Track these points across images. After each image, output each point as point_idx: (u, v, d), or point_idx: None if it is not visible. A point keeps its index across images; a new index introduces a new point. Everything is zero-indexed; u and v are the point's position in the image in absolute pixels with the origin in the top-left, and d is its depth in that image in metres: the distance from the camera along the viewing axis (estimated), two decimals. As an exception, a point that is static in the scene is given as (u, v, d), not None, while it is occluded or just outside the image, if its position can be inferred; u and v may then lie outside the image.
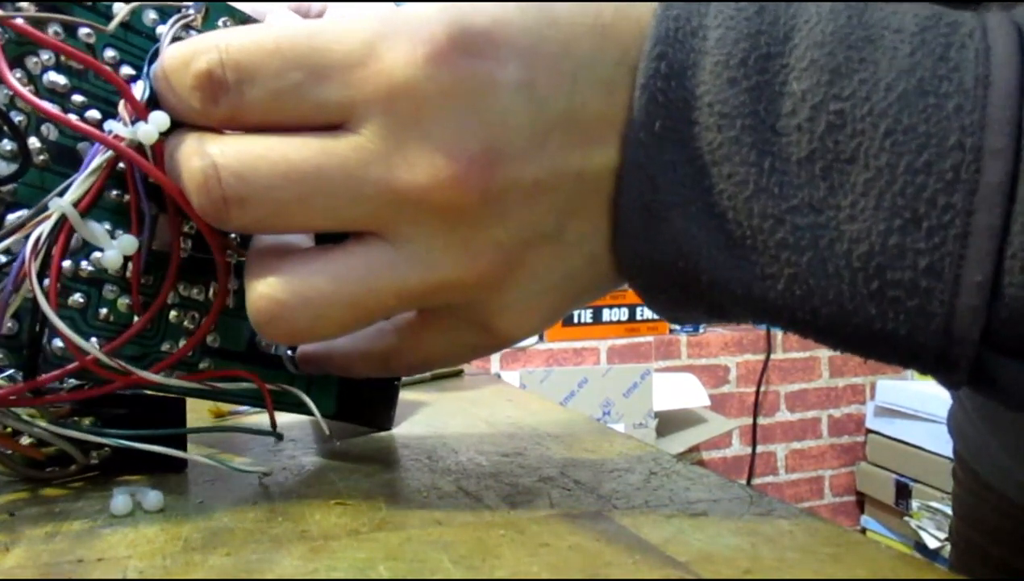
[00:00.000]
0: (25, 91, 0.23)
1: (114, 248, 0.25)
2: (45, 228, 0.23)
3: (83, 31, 0.25)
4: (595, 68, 0.22)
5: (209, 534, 0.22)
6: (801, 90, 0.21)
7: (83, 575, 0.20)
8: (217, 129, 0.23)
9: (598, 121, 0.22)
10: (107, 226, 0.26)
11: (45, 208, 0.24)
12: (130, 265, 0.26)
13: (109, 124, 0.24)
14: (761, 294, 0.22)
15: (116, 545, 0.22)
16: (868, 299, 0.21)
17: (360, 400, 0.33)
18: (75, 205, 0.24)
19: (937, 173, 0.20)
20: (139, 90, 0.24)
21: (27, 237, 0.23)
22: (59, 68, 0.25)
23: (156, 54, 0.25)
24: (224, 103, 0.22)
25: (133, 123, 0.24)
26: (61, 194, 0.24)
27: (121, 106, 0.24)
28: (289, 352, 0.29)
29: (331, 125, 0.22)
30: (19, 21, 0.24)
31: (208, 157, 0.22)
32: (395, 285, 0.23)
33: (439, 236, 0.22)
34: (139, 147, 0.24)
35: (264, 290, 0.23)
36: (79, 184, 0.24)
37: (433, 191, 0.22)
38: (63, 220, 0.23)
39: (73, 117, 0.24)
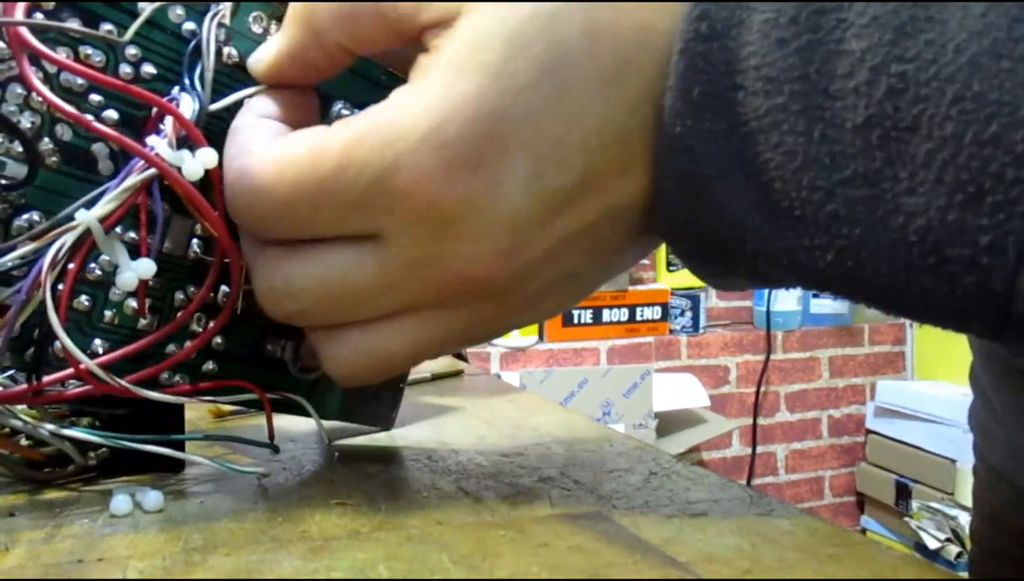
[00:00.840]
0: (60, 102, 0.23)
1: (131, 270, 0.24)
2: (68, 240, 0.23)
3: (104, 28, 0.24)
4: (606, 125, 0.22)
5: (209, 534, 0.22)
6: (860, 49, 0.19)
7: (83, 575, 0.20)
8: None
9: (615, 166, 0.22)
10: (117, 227, 0.25)
11: (69, 217, 0.23)
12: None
13: (152, 140, 0.23)
14: (808, 264, 0.21)
15: (116, 545, 0.22)
16: (924, 273, 0.20)
17: (364, 400, 0.33)
18: (101, 220, 0.23)
19: (1006, 145, 0.18)
20: (187, 107, 0.24)
21: (47, 246, 0.23)
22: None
23: (194, 57, 0.25)
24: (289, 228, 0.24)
25: (179, 146, 0.24)
26: (89, 205, 0.23)
27: (168, 123, 0.24)
28: (293, 355, 0.29)
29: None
30: (25, 33, 0.23)
31: (270, 281, 0.25)
32: (426, 348, 0.25)
33: (472, 309, 0.24)
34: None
35: (343, 357, 0.25)
36: (110, 199, 0.23)
37: (462, 289, 0.23)
38: (86, 232, 0.23)
39: (110, 130, 0.24)
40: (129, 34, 0.24)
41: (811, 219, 0.20)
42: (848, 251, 0.20)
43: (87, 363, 0.24)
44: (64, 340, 0.23)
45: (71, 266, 0.24)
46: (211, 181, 0.24)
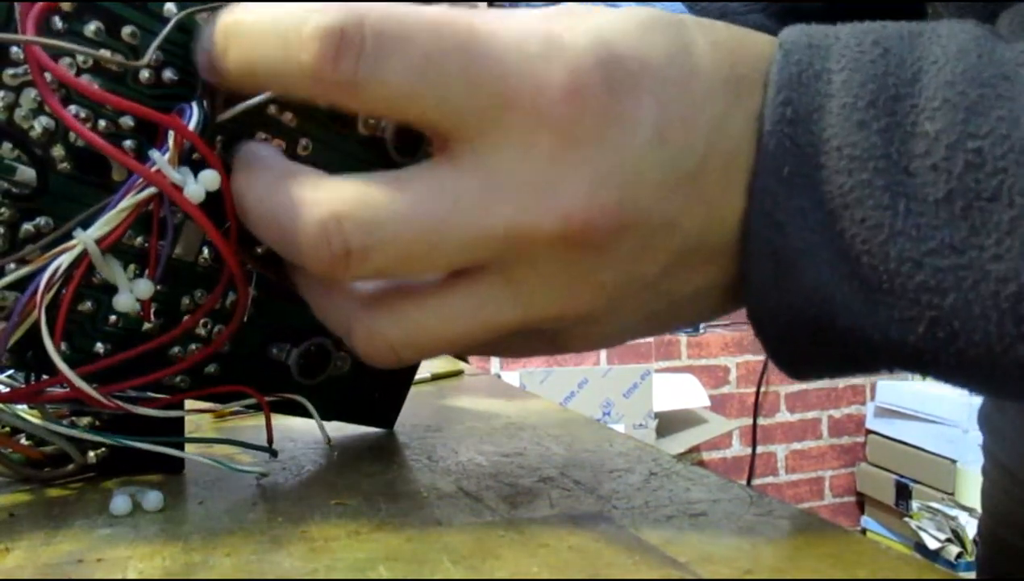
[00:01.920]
0: (67, 115, 0.22)
1: (129, 292, 0.24)
2: (65, 261, 0.22)
3: (126, 31, 0.23)
4: (725, 125, 0.22)
5: (209, 534, 0.22)
6: (935, 130, 0.20)
7: (83, 575, 0.20)
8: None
9: (721, 176, 0.22)
10: (128, 233, 0.24)
11: (68, 235, 0.23)
12: (146, 272, 0.25)
13: (153, 155, 0.22)
14: (900, 338, 0.21)
15: (116, 545, 0.22)
16: (1019, 340, 0.20)
17: (365, 400, 0.32)
18: (99, 241, 0.22)
19: None
20: (190, 119, 0.23)
21: (45, 266, 0.22)
22: (95, 71, 0.23)
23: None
24: (346, 70, 0.20)
25: (185, 159, 0.23)
26: (86, 223, 0.23)
27: (171, 138, 0.22)
28: (301, 362, 0.29)
29: (455, 135, 0.21)
30: (43, 56, 0.22)
31: (325, 207, 0.21)
32: (497, 322, 0.23)
33: (550, 278, 0.22)
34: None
35: (379, 329, 0.23)
36: (107, 219, 0.22)
37: (563, 233, 0.21)
38: (84, 252, 0.22)
39: (103, 125, 0.23)
40: (147, 58, 0.23)
41: (900, 291, 0.21)
42: (940, 322, 0.21)
43: (79, 384, 0.23)
44: (59, 364, 0.23)
45: (65, 295, 0.23)
46: (221, 194, 0.23)
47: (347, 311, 0.23)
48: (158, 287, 0.25)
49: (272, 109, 0.25)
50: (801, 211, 0.21)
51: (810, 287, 0.22)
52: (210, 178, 0.23)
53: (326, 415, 0.31)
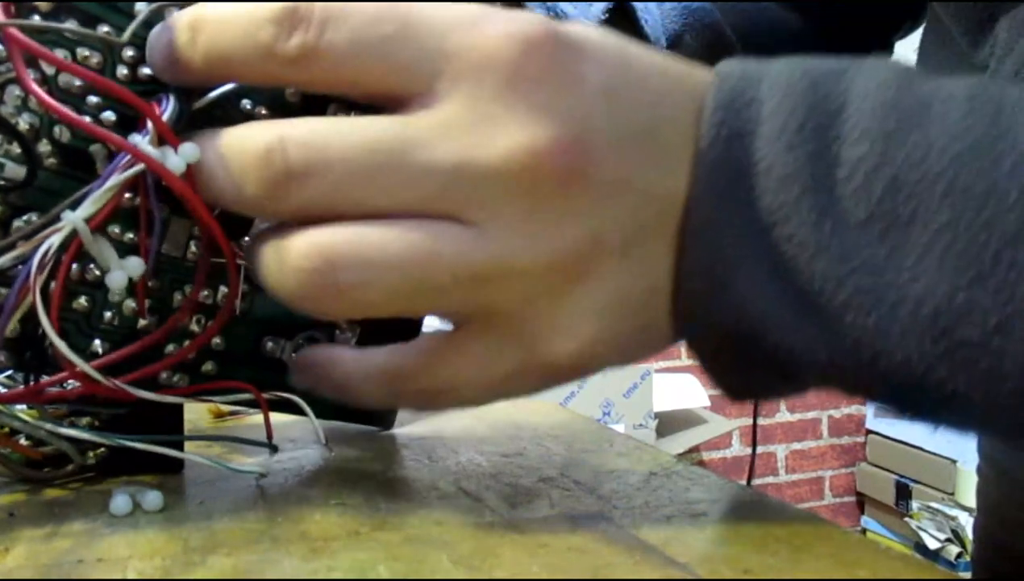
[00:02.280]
0: (52, 101, 0.23)
1: (120, 269, 0.24)
2: (54, 242, 0.23)
3: (102, 29, 0.24)
4: (671, 102, 0.23)
5: (209, 534, 0.22)
6: (856, 156, 0.21)
7: (83, 575, 0.20)
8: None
9: (675, 149, 0.23)
10: (117, 228, 0.25)
11: (56, 218, 0.23)
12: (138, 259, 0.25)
13: (133, 138, 0.23)
14: (827, 356, 0.22)
15: (116, 545, 0.22)
16: (937, 360, 0.21)
17: None
18: (87, 220, 0.23)
19: (999, 230, 0.20)
20: (167, 109, 0.23)
21: (35, 249, 0.23)
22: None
23: None
24: (297, 42, 0.21)
25: (160, 145, 0.23)
26: (74, 206, 0.23)
27: (151, 124, 0.23)
28: (295, 355, 0.29)
29: (407, 98, 0.22)
30: (23, 37, 0.22)
31: (272, 130, 0.21)
32: (455, 261, 0.22)
33: (509, 219, 0.22)
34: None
35: (311, 239, 0.22)
36: (94, 199, 0.23)
37: (513, 166, 0.21)
38: (73, 234, 0.23)
39: (88, 120, 0.24)
40: (127, 34, 0.24)
41: (826, 309, 0.21)
42: (863, 342, 0.21)
43: (81, 364, 0.24)
44: (56, 341, 0.23)
45: (60, 271, 0.23)
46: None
47: (284, 231, 0.22)
48: (150, 284, 0.26)
49: (247, 105, 0.25)
50: (734, 225, 0.22)
51: (743, 301, 0.22)
52: (190, 150, 0.23)
53: (324, 414, 0.31)
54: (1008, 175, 0.20)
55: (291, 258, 0.22)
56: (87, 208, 0.23)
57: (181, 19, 0.23)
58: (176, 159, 0.23)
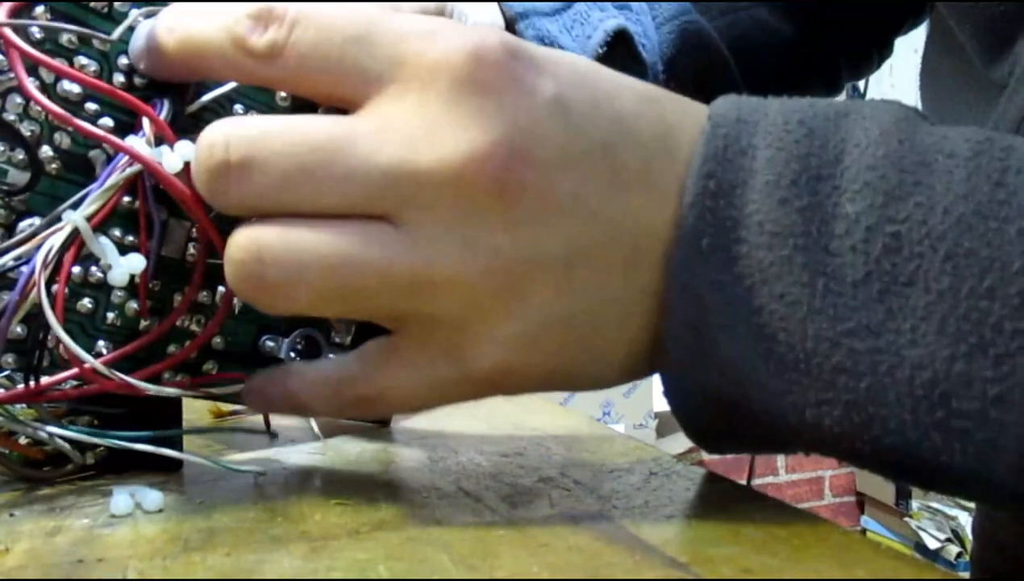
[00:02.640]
0: (55, 106, 0.23)
1: (121, 266, 0.25)
2: (57, 240, 0.23)
3: (97, 41, 0.25)
4: (635, 126, 0.22)
5: (209, 534, 0.22)
6: (855, 212, 0.20)
7: (83, 575, 0.20)
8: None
9: (634, 175, 0.22)
10: (117, 232, 0.26)
11: (58, 218, 0.24)
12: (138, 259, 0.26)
13: (130, 140, 0.24)
14: (815, 421, 0.21)
15: (116, 545, 0.22)
16: (933, 429, 0.20)
17: None
18: (88, 219, 0.24)
19: (1002, 298, 0.19)
20: (161, 111, 0.24)
21: (39, 247, 0.23)
22: (72, 76, 0.25)
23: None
24: (269, 37, 0.22)
25: (157, 143, 0.24)
26: (75, 206, 0.24)
27: (146, 124, 0.24)
28: (292, 355, 0.29)
29: (360, 101, 0.22)
30: (24, 45, 0.23)
31: (219, 128, 0.22)
32: (383, 264, 0.21)
33: (442, 224, 0.21)
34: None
35: (249, 232, 0.22)
36: (94, 198, 0.24)
37: (450, 170, 0.21)
38: (75, 233, 0.24)
39: (96, 129, 0.24)
40: (117, 33, 0.25)
41: (817, 372, 0.21)
42: (855, 406, 0.21)
43: (88, 360, 0.24)
44: (62, 336, 0.23)
45: (63, 267, 0.24)
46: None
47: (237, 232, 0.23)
48: (151, 285, 0.26)
49: (240, 110, 0.26)
50: (719, 285, 0.21)
51: (726, 364, 0.21)
52: (185, 148, 0.24)
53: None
54: (1013, 241, 0.19)
55: (230, 250, 0.23)
56: (88, 207, 0.24)
57: (163, 13, 0.24)
58: (172, 158, 0.24)
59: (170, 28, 0.24)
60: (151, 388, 0.25)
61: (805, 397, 0.21)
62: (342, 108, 0.23)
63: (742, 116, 0.22)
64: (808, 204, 0.21)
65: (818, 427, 0.21)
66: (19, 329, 0.25)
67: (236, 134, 0.22)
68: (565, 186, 0.21)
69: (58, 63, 0.24)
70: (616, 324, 0.23)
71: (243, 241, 0.22)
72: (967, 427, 0.20)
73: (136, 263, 0.25)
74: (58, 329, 0.23)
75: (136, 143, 0.24)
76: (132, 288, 0.26)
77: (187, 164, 0.24)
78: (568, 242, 0.22)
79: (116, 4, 0.25)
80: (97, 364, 0.24)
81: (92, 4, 0.25)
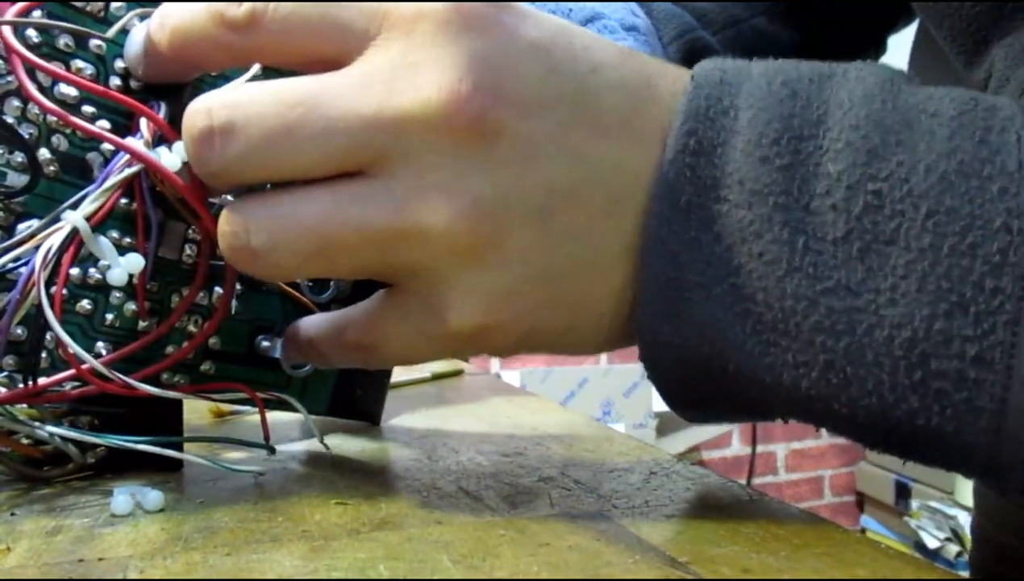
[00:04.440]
0: (54, 106, 0.24)
1: (120, 266, 0.25)
2: (56, 240, 0.23)
3: (93, 43, 0.25)
4: (618, 73, 0.22)
5: (209, 534, 0.23)
6: (837, 171, 0.20)
7: (84, 575, 0.20)
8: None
9: (617, 119, 0.22)
10: (115, 233, 0.26)
11: (57, 219, 0.24)
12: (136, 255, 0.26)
13: (129, 141, 0.24)
14: (792, 383, 0.21)
15: (117, 545, 0.22)
16: (911, 390, 0.20)
17: (352, 396, 0.33)
18: (87, 219, 0.24)
19: (983, 256, 0.19)
20: (159, 112, 0.25)
21: (38, 247, 0.23)
22: (69, 80, 0.25)
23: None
24: (247, 7, 0.22)
25: (155, 144, 0.24)
26: (74, 206, 0.24)
27: (144, 125, 0.24)
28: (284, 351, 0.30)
29: (345, 59, 0.22)
30: (23, 49, 0.24)
31: (205, 98, 0.22)
32: (359, 218, 0.22)
33: (421, 174, 0.21)
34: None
35: (236, 204, 0.23)
36: (93, 198, 0.24)
37: (429, 110, 0.21)
38: (74, 233, 0.24)
39: (96, 129, 0.25)
40: (112, 31, 0.25)
41: (795, 331, 0.20)
42: (833, 366, 0.20)
43: (88, 360, 0.24)
44: (61, 335, 0.23)
45: (62, 266, 0.24)
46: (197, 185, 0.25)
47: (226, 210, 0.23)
48: (149, 286, 0.26)
49: None
50: (697, 243, 0.21)
51: (702, 323, 0.21)
52: (183, 147, 0.24)
53: (315, 410, 0.31)
54: (995, 199, 0.19)
55: (220, 224, 0.23)
56: (87, 207, 0.24)
57: (155, 13, 0.24)
58: (171, 157, 0.24)
59: (161, 25, 0.24)
60: (149, 390, 0.25)
61: (783, 358, 0.21)
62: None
63: (725, 78, 0.22)
64: (789, 163, 0.20)
65: (795, 389, 0.21)
66: (19, 330, 0.25)
67: (218, 100, 0.22)
68: (545, 127, 0.21)
69: (55, 67, 0.24)
70: (599, 276, 0.22)
71: (230, 213, 0.23)
72: (945, 388, 0.20)
73: (135, 262, 0.25)
74: (58, 328, 0.23)
75: (135, 144, 0.24)
76: (130, 289, 0.26)
77: (186, 163, 0.24)
78: (548, 186, 0.21)
79: (112, 6, 0.25)
80: (97, 364, 0.24)
81: (88, 8, 0.25)
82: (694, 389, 0.23)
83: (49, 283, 0.24)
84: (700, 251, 0.21)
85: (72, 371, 0.24)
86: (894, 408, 0.20)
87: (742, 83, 0.22)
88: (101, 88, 0.24)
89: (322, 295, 0.30)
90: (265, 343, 0.29)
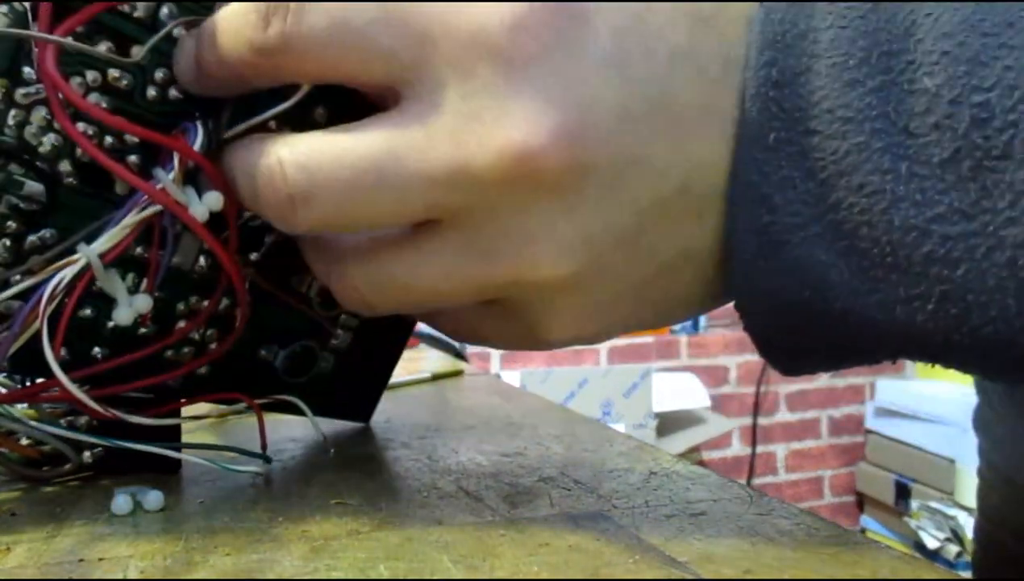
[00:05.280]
0: (74, 129, 0.22)
1: (128, 307, 0.24)
2: (67, 274, 0.23)
3: (134, 50, 0.23)
4: (693, 57, 0.20)
5: (210, 534, 0.23)
6: (935, 85, 0.18)
7: (84, 575, 0.20)
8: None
9: (696, 112, 0.20)
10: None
11: (71, 250, 0.23)
12: (144, 281, 0.26)
13: (158, 173, 0.23)
14: (907, 319, 0.19)
15: (117, 545, 0.22)
16: None
17: (347, 396, 0.33)
18: (101, 256, 0.23)
19: None
20: (195, 140, 0.23)
21: (47, 279, 0.23)
22: (105, 90, 0.24)
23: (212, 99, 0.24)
24: (276, 29, 0.21)
25: (185, 182, 0.23)
26: (89, 238, 0.23)
27: (176, 158, 0.23)
28: (284, 360, 0.30)
29: (396, 88, 0.21)
30: (54, 71, 0.22)
31: (273, 154, 0.21)
32: (460, 274, 0.22)
33: (507, 226, 0.21)
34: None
35: (348, 282, 0.23)
36: (111, 236, 0.23)
37: (507, 168, 0.20)
38: (86, 266, 0.23)
39: (109, 142, 0.24)
40: (141, 53, 0.23)
41: (906, 264, 0.19)
42: (951, 297, 0.19)
43: (81, 397, 0.24)
44: (60, 376, 0.23)
45: (67, 305, 0.23)
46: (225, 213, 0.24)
47: (328, 261, 0.24)
48: (156, 294, 0.26)
49: (272, 125, 0.24)
50: (790, 182, 0.20)
51: (802, 266, 0.20)
52: (214, 199, 0.23)
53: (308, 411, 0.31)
54: None
55: (337, 281, 0.24)
56: (103, 244, 0.23)
57: (202, 27, 0.23)
58: (200, 208, 0.23)
59: (201, 43, 0.23)
60: (143, 421, 0.25)
61: (894, 294, 0.19)
62: (382, 97, 0.22)
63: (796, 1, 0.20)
64: (881, 83, 0.19)
65: (910, 325, 0.20)
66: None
67: (289, 162, 0.21)
68: (627, 152, 0.20)
69: (79, 83, 0.23)
70: (693, 271, 0.22)
71: (337, 281, 0.24)
72: None
73: (143, 304, 0.24)
74: (56, 369, 0.23)
75: (164, 181, 0.23)
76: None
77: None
78: (636, 208, 0.21)
79: (162, 12, 0.24)
80: (88, 400, 0.24)
81: (136, 14, 0.23)
82: (795, 337, 0.22)
83: (53, 320, 0.23)
84: (794, 191, 0.20)
85: (59, 394, 0.24)
86: (1018, 335, 0.19)
87: (815, 3, 0.20)
88: (120, 121, 0.22)
89: (332, 310, 0.29)
90: (264, 352, 0.29)
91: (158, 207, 0.23)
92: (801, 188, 0.20)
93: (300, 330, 0.29)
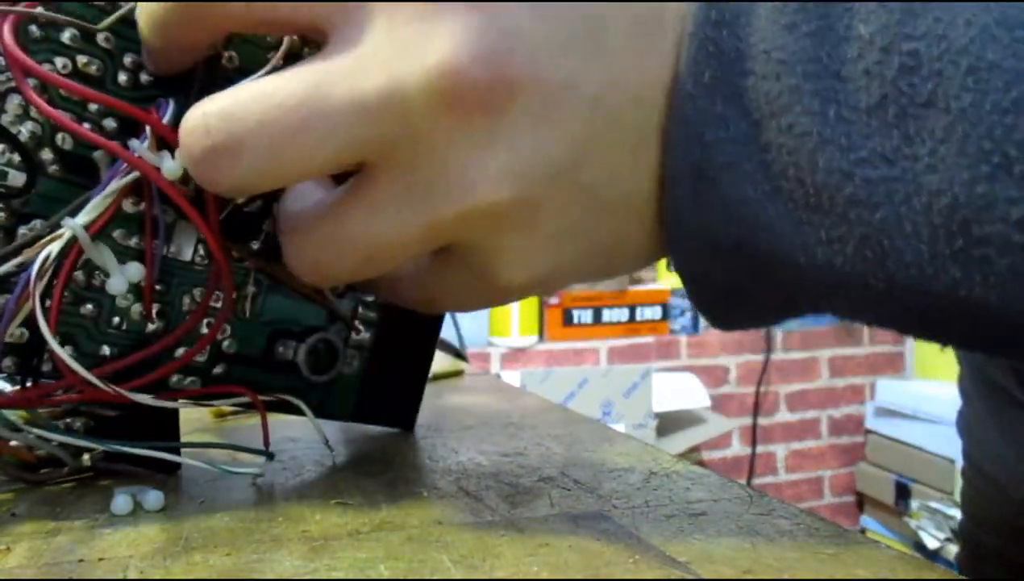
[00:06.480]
0: (52, 110, 0.23)
1: (120, 275, 0.24)
2: (55, 248, 0.23)
3: (101, 37, 0.24)
4: (640, 11, 0.20)
5: (210, 534, 0.23)
6: (869, 32, 0.19)
7: (84, 575, 0.20)
8: None
9: (630, 45, 0.20)
10: (124, 234, 0.25)
11: (57, 225, 0.23)
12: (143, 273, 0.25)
13: (133, 144, 0.23)
14: (826, 261, 0.20)
15: (117, 545, 0.22)
16: (951, 260, 0.19)
17: (382, 400, 0.32)
18: (87, 227, 0.23)
19: None
20: (166, 113, 0.24)
21: (36, 256, 0.23)
22: (75, 75, 0.24)
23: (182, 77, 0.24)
24: None
25: (159, 149, 0.23)
26: (74, 213, 0.23)
27: (149, 130, 0.23)
28: (305, 357, 0.29)
29: (326, 30, 0.21)
30: (19, 53, 0.23)
31: (198, 109, 0.21)
32: (406, 222, 0.21)
33: (443, 159, 0.20)
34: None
35: (300, 250, 0.23)
36: (94, 205, 0.23)
37: (435, 89, 0.19)
38: (73, 240, 0.23)
39: (87, 127, 0.24)
40: (105, 24, 0.24)
41: (828, 206, 0.19)
42: (869, 240, 0.19)
43: (80, 371, 0.24)
44: (55, 347, 0.23)
45: (59, 277, 0.24)
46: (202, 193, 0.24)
47: (281, 235, 0.24)
48: (158, 288, 0.26)
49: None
50: (723, 120, 0.20)
51: (732, 204, 0.20)
52: (177, 165, 0.23)
53: (339, 415, 0.31)
54: None
55: (295, 265, 0.23)
56: (87, 214, 0.23)
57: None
58: (172, 164, 0.23)
59: (142, 18, 0.23)
60: (143, 399, 0.25)
61: (816, 235, 0.20)
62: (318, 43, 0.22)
63: None
64: (817, 28, 0.19)
65: (828, 267, 0.20)
66: (19, 331, 0.24)
67: (215, 113, 0.21)
68: (555, 76, 0.20)
69: (52, 72, 0.23)
70: (634, 214, 0.22)
71: (292, 256, 0.23)
72: (988, 254, 0.18)
73: (135, 273, 0.25)
74: (51, 340, 0.23)
75: (138, 149, 0.23)
76: (138, 290, 0.26)
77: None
78: (570, 140, 0.21)
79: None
80: (87, 374, 0.24)
81: (97, 2, 0.24)
82: (725, 282, 0.22)
83: (46, 293, 0.23)
84: (727, 129, 0.20)
85: (65, 381, 0.24)
86: (934, 280, 0.19)
87: None
88: (93, 93, 0.23)
89: (344, 299, 0.29)
90: (281, 349, 0.29)
91: (137, 174, 0.23)
92: (734, 127, 0.20)
93: (318, 322, 0.29)
